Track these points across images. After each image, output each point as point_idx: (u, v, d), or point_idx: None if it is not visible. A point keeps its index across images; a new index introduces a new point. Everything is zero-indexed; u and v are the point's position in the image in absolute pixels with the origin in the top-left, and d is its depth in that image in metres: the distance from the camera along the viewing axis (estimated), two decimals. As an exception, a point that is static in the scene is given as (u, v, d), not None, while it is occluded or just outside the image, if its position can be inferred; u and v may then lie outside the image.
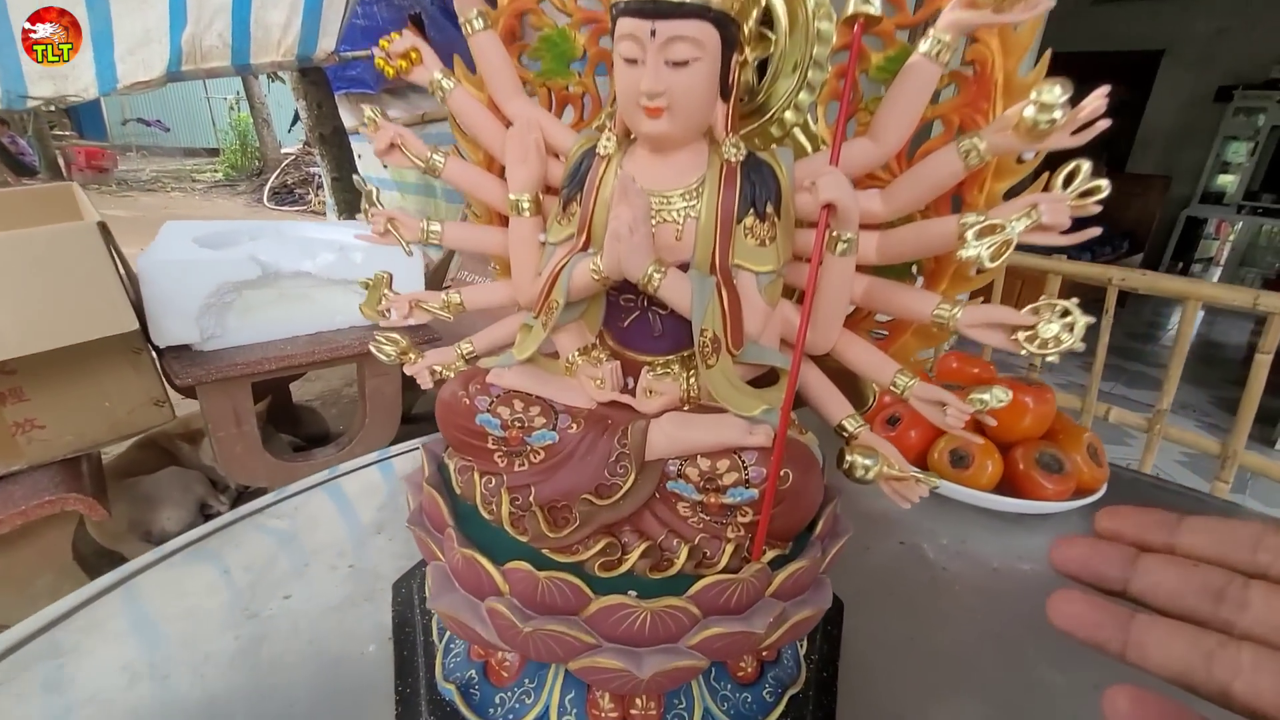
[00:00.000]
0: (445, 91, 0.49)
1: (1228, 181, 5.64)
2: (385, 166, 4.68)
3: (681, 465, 0.41)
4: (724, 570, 0.39)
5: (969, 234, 0.37)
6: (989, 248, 0.36)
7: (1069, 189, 0.35)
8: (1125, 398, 3.65)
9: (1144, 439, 1.52)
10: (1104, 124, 0.34)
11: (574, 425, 0.44)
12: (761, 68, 0.49)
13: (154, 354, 1.60)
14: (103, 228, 1.40)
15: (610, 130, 0.45)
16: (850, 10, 0.39)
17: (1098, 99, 0.34)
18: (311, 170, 8.05)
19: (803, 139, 0.48)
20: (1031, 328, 0.37)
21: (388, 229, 0.50)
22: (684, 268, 0.43)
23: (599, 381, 0.45)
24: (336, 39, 3.08)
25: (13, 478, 1.44)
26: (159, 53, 2.77)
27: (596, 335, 0.48)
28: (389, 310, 0.53)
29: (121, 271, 1.47)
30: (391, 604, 0.52)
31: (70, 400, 1.47)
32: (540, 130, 0.48)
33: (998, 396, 0.40)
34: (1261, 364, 1.48)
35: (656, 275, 0.39)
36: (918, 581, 0.65)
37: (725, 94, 0.42)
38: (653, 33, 0.38)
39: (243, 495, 2.19)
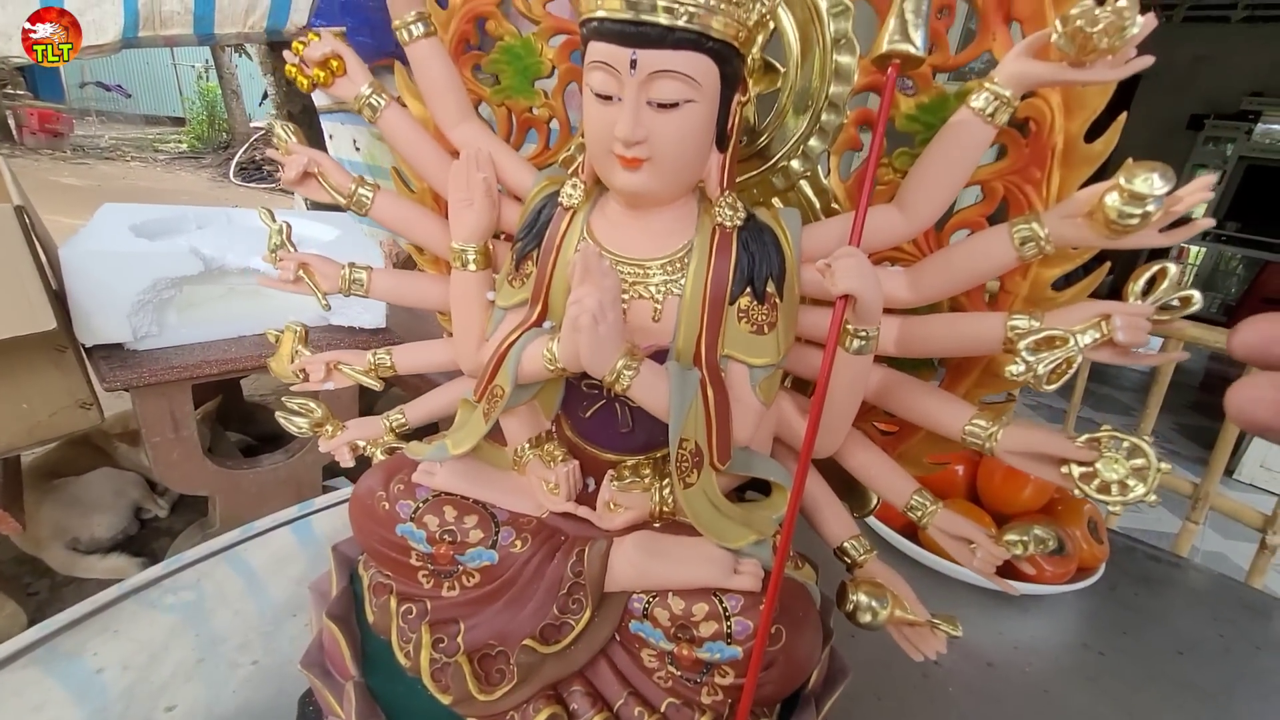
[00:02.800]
0: (375, 111, 0.39)
1: (1194, 208, 5.77)
2: (358, 149, 4.50)
3: (649, 603, 0.33)
4: (699, 754, 0.31)
5: (1021, 345, 0.29)
6: (1046, 366, 0.29)
7: (1150, 298, 0.28)
8: (1091, 420, 3.67)
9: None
10: (1207, 223, 0.27)
11: (518, 542, 0.35)
12: (765, 104, 0.41)
13: (81, 351, 1.46)
14: (20, 212, 1.26)
15: (579, 175, 0.36)
16: (885, 47, 0.31)
17: (1202, 189, 0.26)
18: (282, 146, 7.74)
19: (810, 193, 0.40)
20: (1089, 464, 0.29)
21: (299, 276, 0.41)
22: (660, 356, 0.34)
23: (552, 486, 0.37)
24: (309, 13, 2.92)
25: (-90, 486, 1.29)
26: (111, 14, 2.59)
27: (553, 420, 0.40)
28: (303, 371, 0.43)
29: (44, 259, 1.34)
30: (294, 729, 0.43)
31: (-20, 402, 1.33)
32: (492, 167, 0.39)
33: (1040, 539, 0.32)
34: (1242, 407, 1.46)
35: (627, 373, 0.31)
36: (908, 681, 0.59)
37: (722, 143, 0.33)
38: (633, 64, 0.29)
39: (183, 499, 2.05)
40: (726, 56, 0.30)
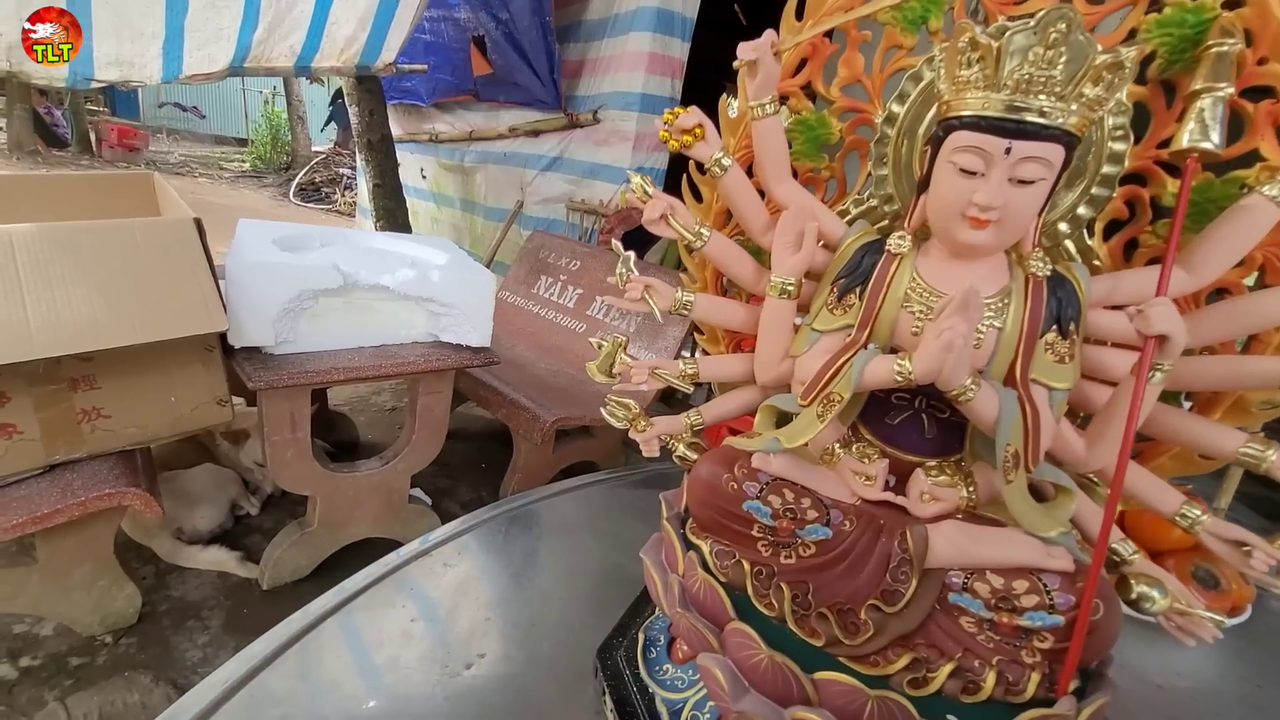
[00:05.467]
0: (724, 170, 0.49)
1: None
2: (424, 176, 4.70)
3: (968, 579, 0.40)
4: (1032, 701, 0.38)
5: (1309, 383, 0.37)
6: (1332, 400, 0.36)
7: None
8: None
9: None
10: None
11: (847, 522, 0.43)
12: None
13: (221, 352, 1.58)
14: (199, 224, 1.40)
15: (904, 229, 0.45)
16: (1186, 144, 0.39)
17: None
18: (340, 171, 8.11)
19: (1073, 250, 0.49)
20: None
21: (643, 295, 0.50)
22: (976, 376, 0.42)
23: (867, 479, 0.45)
24: (397, 52, 3.15)
25: (71, 466, 1.41)
26: (225, 49, 2.82)
27: (849, 427, 0.48)
28: (624, 374, 0.52)
29: (207, 268, 1.46)
30: (604, 678, 0.50)
31: (139, 393, 1.45)
32: (815, 219, 0.48)
33: (1311, 543, 0.39)
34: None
35: (973, 388, 0.39)
36: (1088, 693, 0.64)
37: (1042, 210, 0.42)
38: (1007, 151, 0.38)
39: (271, 499, 2.15)
40: (1072, 145, 0.39)
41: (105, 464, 1.42)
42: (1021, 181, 0.38)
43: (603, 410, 0.52)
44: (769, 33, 0.46)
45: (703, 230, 0.49)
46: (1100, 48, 0.36)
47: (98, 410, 1.39)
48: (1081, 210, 0.47)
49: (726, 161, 0.49)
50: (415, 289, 1.72)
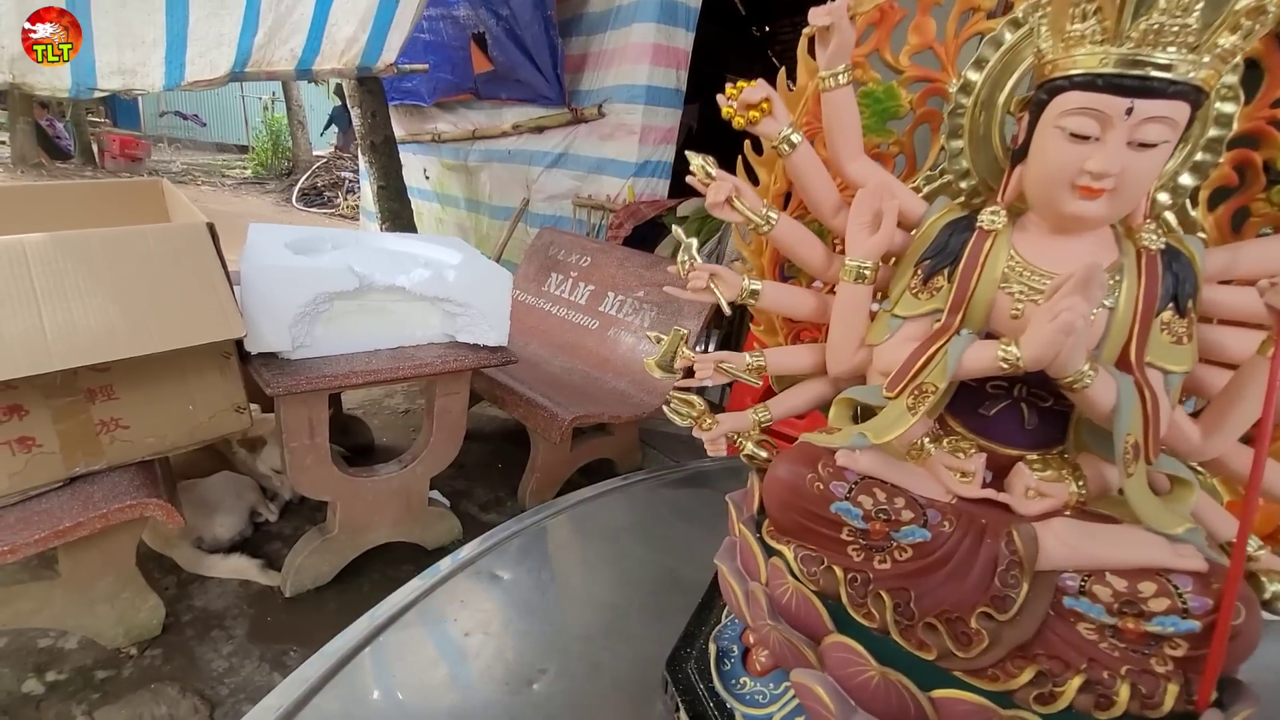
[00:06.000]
0: (793, 147, 0.45)
1: None
2: (427, 177, 4.68)
3: (1084, 581, 0.37)
4: (1171, 715, 0.35)
5: None
6: None
7: None
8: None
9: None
10: None
11: (945, 523, 0.40)
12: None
13: (237, 358, 1.55)
14: (212, 228, 1.37)
15: (997, 204, 0.42)
16: (1317, 101, 0.36)
17: None
18: (342, 174, 8.09)
19: (1173, 220, 0.45)
20: None
21: (709, 285, 0.46)
22: (1084, 360, 0.39)
23: (964, 475, 0.41)
24: (398, 52, 3.12)
25: (91, 478, 1.38)
26: (226, 55, 2.80)
27: (936, 419, 0.44)
28: (691, 369, 0.49)
29: (221, 273, 1.43)
30: (676, 693, 0.47)
31: (157, 402, 1.43)
32: (894, 198, 0.44)
33: None
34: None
35: (1090, 374, 0.36)
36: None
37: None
38: (1128, 112, 0.34)
39: (290, 505, 2.13)
40: (1199, 103, 0.35)
41: (125, 475, 1.39)
42: (1142, 145, 0.35)
43: (665, 408, 0.49)
44: (845, -7, 0.43)
45: (770, 213, 0.46)
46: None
47: (116, 421, 1.37)
48: (1184, 179, 0.44)
49: (796, 138, 0.45)
50: (431, 289, 1.69)
